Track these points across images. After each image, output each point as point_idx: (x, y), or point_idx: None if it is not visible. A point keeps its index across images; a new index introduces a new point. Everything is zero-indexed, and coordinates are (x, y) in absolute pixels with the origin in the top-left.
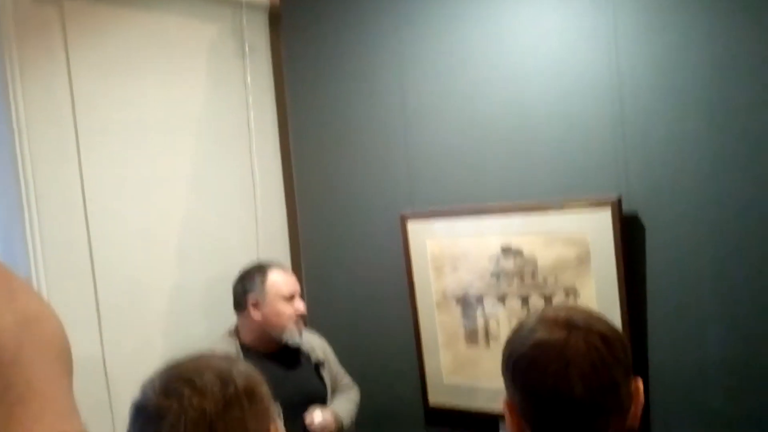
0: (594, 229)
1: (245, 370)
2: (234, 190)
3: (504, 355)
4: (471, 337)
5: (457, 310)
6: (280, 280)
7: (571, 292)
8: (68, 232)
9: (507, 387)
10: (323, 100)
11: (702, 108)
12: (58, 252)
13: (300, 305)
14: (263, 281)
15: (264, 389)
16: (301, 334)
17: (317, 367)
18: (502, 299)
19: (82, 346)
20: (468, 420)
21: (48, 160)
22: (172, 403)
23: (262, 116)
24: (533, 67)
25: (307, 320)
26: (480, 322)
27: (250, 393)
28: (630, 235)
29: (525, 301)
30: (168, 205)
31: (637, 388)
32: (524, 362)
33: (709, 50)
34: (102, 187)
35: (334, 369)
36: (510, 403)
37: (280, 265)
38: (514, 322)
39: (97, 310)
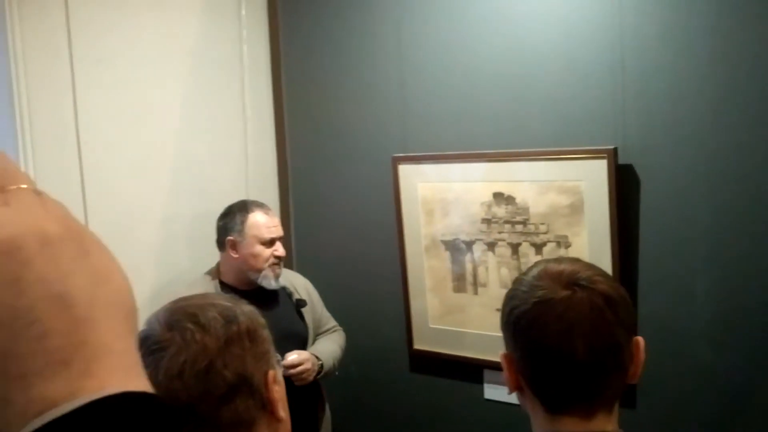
0: (589, 178)
1: (249, 311)
2: (225, 124)
3: (505, 308)
4: (459, 283)
5: (445, 256)
6: (261, 223)
7: (562, 241)
8: (61, 161)
9: (506, 341)
10: (318, 39)
11: (704, 60)
12: (50, 180)
13: (279, 249)
14: (243, 221)
15: (266, 333)
16: (277, 278)
17: (298, 306)
18: (492, 246)
19: None
20: (452, 367)
21: (43, 89)
22: (175, 336)
23: (255, 51)
24: (532, 12)
25: (295, 261)
26: (469, 268)
27: (252, 334)
28: (625, 186)
29: (515, 248)
30: (160, 138)
31: (638, 346)
32: (526, 320)
33: (713, 1)
34: (96, 118)
35: (318, 311)
36: (508, 357)
37: (263, 207)
38: (503, 270)
39: None
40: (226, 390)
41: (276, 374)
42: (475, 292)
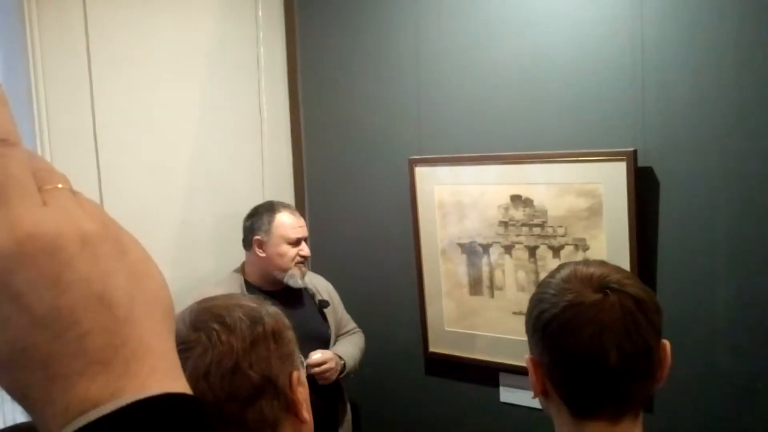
0: (608, 181)
1: (274, 312)
2: (241, 126)
3: (531, 312)
4: (475, 286)
5: (462, 259)
6: (287, 223)
7: (580, 244)
8: (78, 162)
9: (533, 344)
10: (335, 40)
11: (725, 61)
12: None
13: (304, 249)
14: (270, 221)
15: (290, 334)
16: (303, 277)
17: (321, 307)
18: (509, 249)
19: None
20: (468, 370)
21: (61, 90)
22: (201, 337)
23: (272, 52)
24: (551, 14)
25: (310, 264)
26: (485, 271)
27: (278, 335)
28: (644, 189)
29: (533, 251)
30: (177, 139)
31: (665, 350)
32: (556, 324)
33: (737, 1)
34: (113, 118)
35: (339, 312)
36: (535, 361)
37: (289, 207)
38: (520, 273)
39: None
40: (252, 391)
41: (300, 375)
42: (492, 296)
